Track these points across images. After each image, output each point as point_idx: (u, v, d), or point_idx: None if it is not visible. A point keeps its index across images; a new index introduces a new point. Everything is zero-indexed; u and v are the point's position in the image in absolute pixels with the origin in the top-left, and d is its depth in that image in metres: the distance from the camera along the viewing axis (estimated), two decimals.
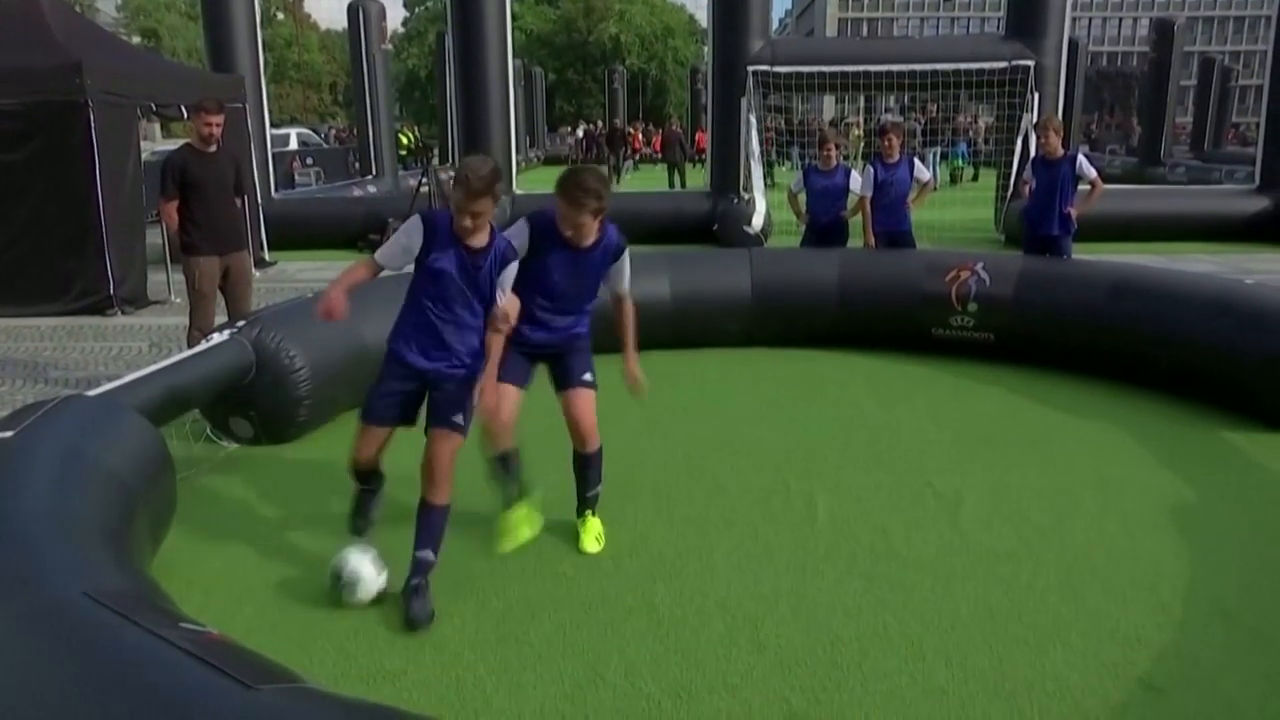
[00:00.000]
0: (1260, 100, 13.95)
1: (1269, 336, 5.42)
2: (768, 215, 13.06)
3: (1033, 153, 12.06)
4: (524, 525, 3.81)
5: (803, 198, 8.11)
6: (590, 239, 3.73)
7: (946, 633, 3.34)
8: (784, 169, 19.81)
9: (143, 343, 8.11)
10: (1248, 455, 5.10)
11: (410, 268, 3.45)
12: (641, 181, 27.31)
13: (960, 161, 24.46)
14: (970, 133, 24.97)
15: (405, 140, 27.00)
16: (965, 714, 2.88)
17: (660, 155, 27.84)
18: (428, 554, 3.49)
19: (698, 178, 21.24)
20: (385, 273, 3.55)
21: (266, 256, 12.16)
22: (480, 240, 3.41)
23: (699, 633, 3.34)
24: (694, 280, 7.35)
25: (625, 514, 4.35)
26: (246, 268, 6.51)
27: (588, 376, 3.99)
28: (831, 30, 75.60)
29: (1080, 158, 7.40)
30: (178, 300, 9.38)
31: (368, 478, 3.72)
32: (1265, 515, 4.34)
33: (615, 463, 5.01)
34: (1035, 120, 12.48)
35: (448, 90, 17.81)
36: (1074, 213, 7.34)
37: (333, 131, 40.43)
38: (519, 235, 3.70)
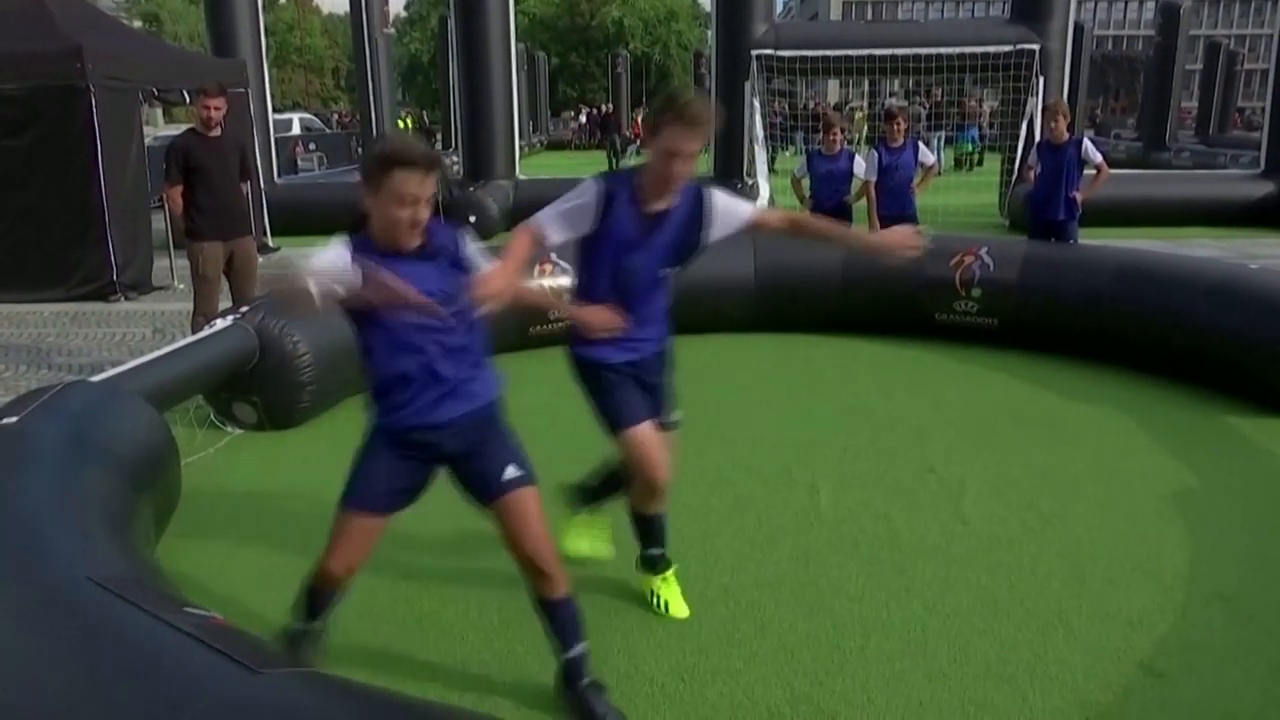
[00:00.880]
0: (1265, 85, 13.87)
1: (1273, 322, 5.40)
2: (771, 200, 13.02)
3: (1038, 137, 11.99)
4: (586, 538, 3.56)
5: (806, 182, 8.08)
6: (676, 194, 2.98)
7: (948, 617, 3.35)
8: (788, 155, 19.71)
9: (146, 329, 8.12)
10: (1251, 441, 5.09)
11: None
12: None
13: (970, 146, 24.36)
14: (977, 117, 24.88)
15: (403, 126, 26.94)
16: (966, 697, 2.89)
17: None
18: (578, 649, 2.77)
19: (702, 163, 21.21)
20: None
21: (270, 242, 12.15)
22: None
23: (702, 618, 3.35)
24: (697, 265, 7.30)
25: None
26: (251, 253, 6.50)
27: (676, 416, 3.37)
28: (836, 14, 75.12)
29: (1086, 142, 7.38)
30: (181, 286, 9.38)
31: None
32: (1268, 501, 4.33)
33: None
34: (1040, 104, 12.44)
35: (450, 75, 17.74)
36: (1079, 197, 7.32)
37: (335, 116, 40.34)
38: (584, 196, 2.94)
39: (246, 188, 6.51)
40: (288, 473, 4.74)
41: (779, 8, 13.64)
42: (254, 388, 5.16)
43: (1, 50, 8.86)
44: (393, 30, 23.85)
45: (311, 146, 23.08)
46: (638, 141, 34.75)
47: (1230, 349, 5.63)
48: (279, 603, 3.48)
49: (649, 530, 3.36)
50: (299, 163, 21.13)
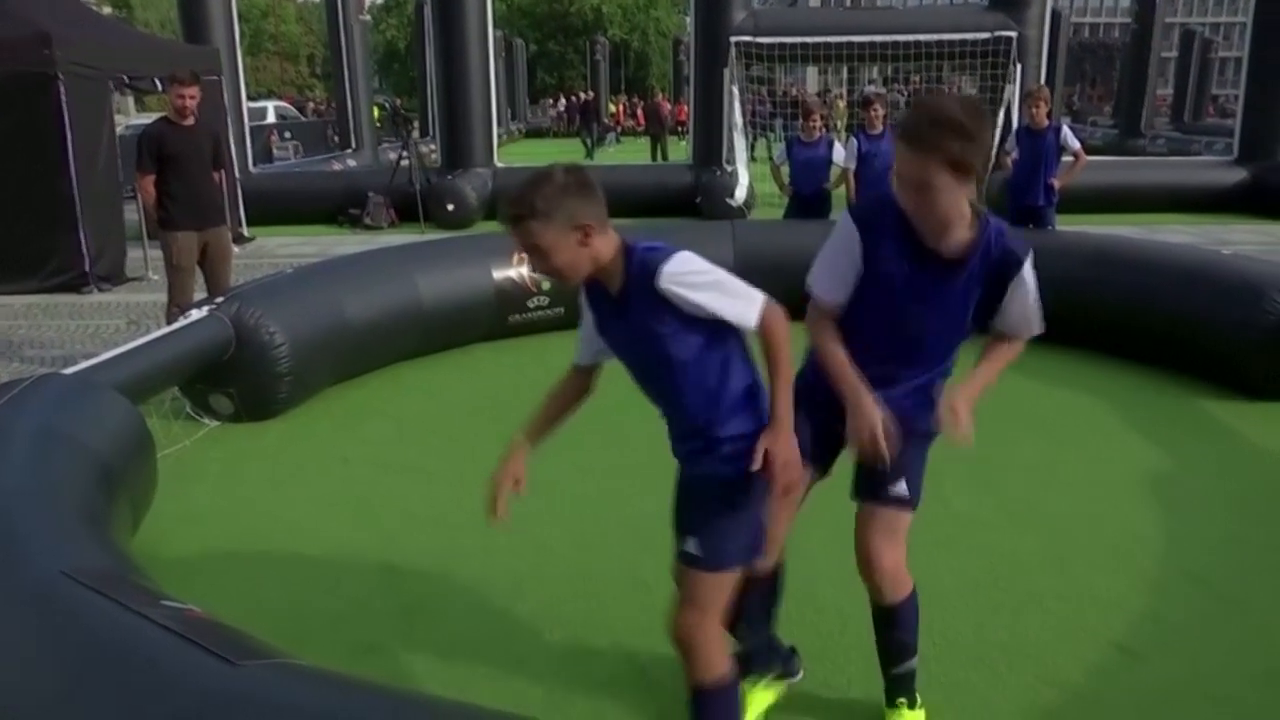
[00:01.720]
0: (1239, 72, 13.99)
1: (1245, 307, 5.46)
2: (751, 188, 13.03)
3: (1015, 124, 12.03)
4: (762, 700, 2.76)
5: (786, 169, 8.08)
6: (955, 231, 2.32)
7: (928, 601, 3.35)
8: (767, 140, 19.70)
9: (120, 320, 8.03)
10: (1225, 424, 5.15)
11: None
12: (624, 155, 27.19)
13: None
14: None
15: (376, 114, 26.78)
16: (946, 679, 2.92)
17: (644, 128, 27.72)
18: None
19: (680, 151, 21.16)
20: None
21: (245, 232, 12.04)
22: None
23: None
24: None
25: (611, 486, 4.35)
26: (225, 243, 6.44)
27: (902, 489, 2.63)
28: (815, 0, 75.19)
29: (1065, 129, 7.42)
30: (155, 277, 9.28)
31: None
32: (1241, 484, 4.39)
33: (600, 438, 5.03)
34: (1017, 92, 12.50)
35: (427, 62, 17.61)
36: (1057, 184, 7.36)
37: (311, 105, 39.95)
38: (843, 237, 2.46)
39: (220, 177, 6.44)
40: (265, 464, 4.71)
41: None
42: (230, 379, 5.12)
43: None
44: (369, 17, 23.61)
45: (287, 135, 22.86)
46: (618, 129, 34.75)
47: (1203, 334, 5.70)
48: (259, 594, 3.47)
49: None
50: (274, 152, 20.93)
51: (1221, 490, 4.32)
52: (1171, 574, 3.55)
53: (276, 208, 13.13)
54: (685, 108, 20.33)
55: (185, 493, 4.33)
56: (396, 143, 17.12)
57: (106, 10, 46.42)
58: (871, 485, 2.62)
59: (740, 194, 12.83)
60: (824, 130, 7.96)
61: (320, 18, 43.18)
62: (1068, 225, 7.81)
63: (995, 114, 13.13)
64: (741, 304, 2.22)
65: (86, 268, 9.12)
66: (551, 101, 44.66)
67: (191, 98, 6.08)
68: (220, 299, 5.32)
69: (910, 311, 2.42)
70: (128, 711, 1.73)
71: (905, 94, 23.85)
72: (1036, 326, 2.59)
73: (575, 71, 51.54)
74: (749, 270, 8.57)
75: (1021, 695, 2.84)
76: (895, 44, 12.94)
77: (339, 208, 13.42)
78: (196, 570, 3.63)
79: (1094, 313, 6.36)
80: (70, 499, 2.86)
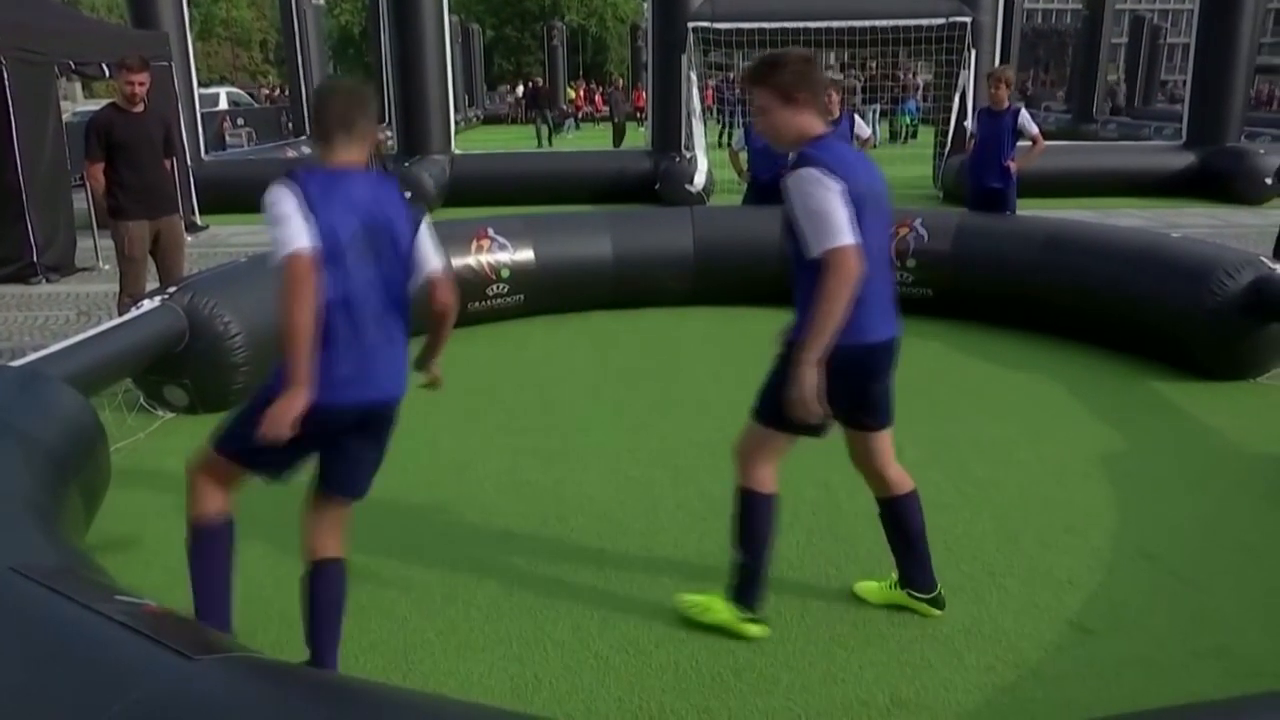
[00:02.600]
0: (1187, 59, 14.24)
1: (1193, 289, 5.58)
2: (709, 173, 13.04)
3: (970, 109, 12.15)
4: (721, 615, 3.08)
5: (744, 155, 8.09)
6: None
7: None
8: (720, 126, 19.72)
9: (70, 311, 7.86)
10: (1174, 404, 5.27)
11: None
12: (583, 140, 27.06)
13: (909, 119, 24.68)
14: (913, 90, 25.22)
15: None
16: (905, 658, 2.96)
17: (606, 114, 27.61)
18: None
19: (637, 136, 21.11)
20: None
21: (198, 220, 11.83)
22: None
23: (646, 589, 3.37)
24: (636, 239, 7.33)
25: (571, 474, 4.35)
26: (178, 232, 6.33)
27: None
28: None
29: (1023, 113, 7.47)
30: (106, 267, 9.10)
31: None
32: (1191, 463, 4.49)
33: (561, 424, 5.02)
34: (972, 77, 12.62)
35: (382, 48, 17.38)
36: (1013, 166, 7.44)
37: (263, 92, 39.24)
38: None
39: (172, 164, 6.31)
40: None
41: None
42: (184, 370, 5.03)
43: None
44: (322, 2, 23.24)
45: (240, 122, 22.46)
46: (578, 114, 34.55)
47: (1154, 316, 5.81)
48: None
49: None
50: (227, 138, 20.57)
51: (1172, 469, 4.42)
52: (1124, 552, 3.63)
53: (230, 195, 12.87)
54: (643, 93, 20.29)
55: (139, 486, 4.26)
56: None
57: None
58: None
59: (699, 180, 12.84)
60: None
61: (272, 2, 42.42)
62: (1024, 210, 7.92)
63: (951, 99, 13.29)
64: None
65: (34, 258, 8.91)
66: (509, 87, 44.31)
67: (141, 84, 5.94)
68: (173, 289, 5.22)
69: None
70: (82, 709, 1.70)
71: (862, 79, 24.03)
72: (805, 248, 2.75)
73: (532, 57, 51.17)
74: (709, 255, 8.62)
75: (981, 674, 2.89)
76: (852, 30, 12.99)
77: None
78: (151, 564, 3.58)
79: (1049, 296, 6.47)
80: (19, 494, 2.79)
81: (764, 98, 2.82)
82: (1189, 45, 14.15)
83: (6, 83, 8.55)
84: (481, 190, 13.01)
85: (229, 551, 2.82)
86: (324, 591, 2.77)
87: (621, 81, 34.29)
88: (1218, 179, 13.31)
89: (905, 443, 4.70)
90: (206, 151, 13.94)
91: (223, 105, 24.45)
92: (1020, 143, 7.55)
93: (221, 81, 41.94)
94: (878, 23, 12.98)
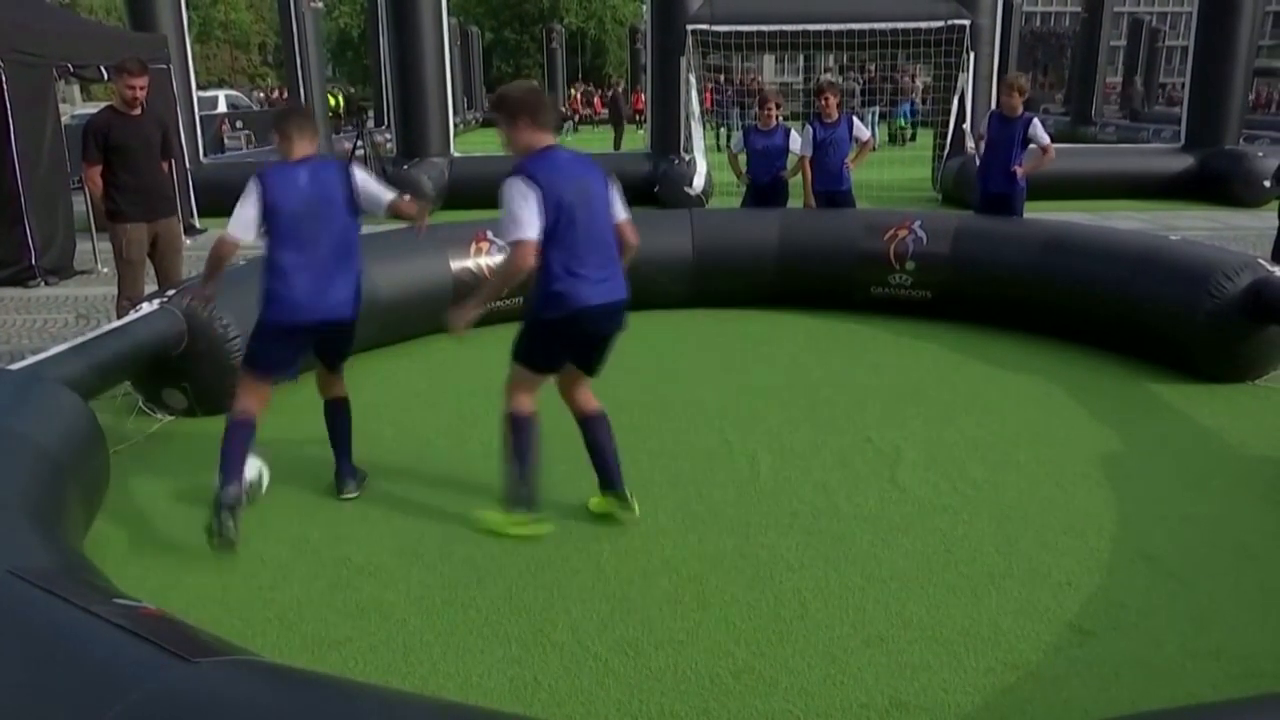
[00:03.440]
0: (1186, 61, 14.25)
1: (1192, 291, 5.58)
2: (708, 176, 13.05)
3: (968, 112, 12.17)
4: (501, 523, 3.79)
5: (743, 158, 8.10)
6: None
7: (885, 583, 3.42)
8: (721, 130, 19.72)
9: (69, 314, 7.86)
10: (1172, 406, 5.27)
11: None
12: (581, 143, 27.08)
13: (904, 121, 24.68)
14: (911, 93, 25.23)
15: (333, 103, 26.40)
16: (904, 661, 2.96)
17: (606, 117, 27.62)
18: None
19: (636, 140, 21.13)
20: None
21: (197, 223, 11.82)
22: None
23: (645, 592, 3.37)
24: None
25: (569, 477, 4.35)
26: (176, 234, 6.33)
27: None
28: None
29: (1035, 121, 7.41)
30: (105, 270, 9.09)
31: None
32: (1190, 464, 4.50)
33: (559, 427, 5.02)
34: (970, 80, 12.63)
35: (381, 50, 17.39)
36: (1020, 172, 7.43)
37: (259, 94, 39.22)
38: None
39: (169, 167, 6.31)
40: None
41: None
42: (183, 373, 5.03)
43: None
44: (321, 4, 23.25)
45: (238, 125, 22.46)
46: (575, 118, 34.58)
47: (1153, 318, 5.81)
48: (215, 590, 3.43)
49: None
50: (225, 141, 20.56)
51: (1171, 471, 4.42)
52: (1123, 553, 3.63)
53: (229, 198, 12.67)
54: (642, 96, 20.27)
55: (138, 489, 4.25)
56: (351, 132, 16.90)
57: None
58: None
59: (698, 182, 12.85)
60: (780, 119, 7.98)
61: (271, 5, 42.37)
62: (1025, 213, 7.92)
63: (950, 102, 13.29)
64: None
65: (32, 261, 8.90)
66: None
67: (141, 88, 5.95)
68: (172, 291, 5.22)
69: None
70: (81, 712, 1.70)
71: (861, 82, 24.05)
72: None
73: (531, 60, 51.19)
74: (707, 258, 8.64)
75: (980, 676, 2.89)
76: (850, 32, 13.00)
77: None
78: (150, 567, 3.58)
79: (1047, 298, 6.48)
80: (19, 497, 2.79)
81: (497, 119, 3.57)
82: (1187, 48, 14.16)
83: (4, 85, 8.54)
84: (480, 193, 12.90)
85: (251, 438, 3.82)
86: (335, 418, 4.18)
87: (621, 84, 34.30)
88: (1216, 181, 13.31)
89: (905, 445, 4.73)
90: (205, 154, 13.93)
91: (221, 108, 24.45)
92: (1030, 147, 7.52)
93: (220, 84, 41.94)
94: (876, 25, 12.99)
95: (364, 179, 3.93)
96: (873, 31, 13.01)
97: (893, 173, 14.20)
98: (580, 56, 51.61)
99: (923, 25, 12.88)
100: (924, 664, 2.95)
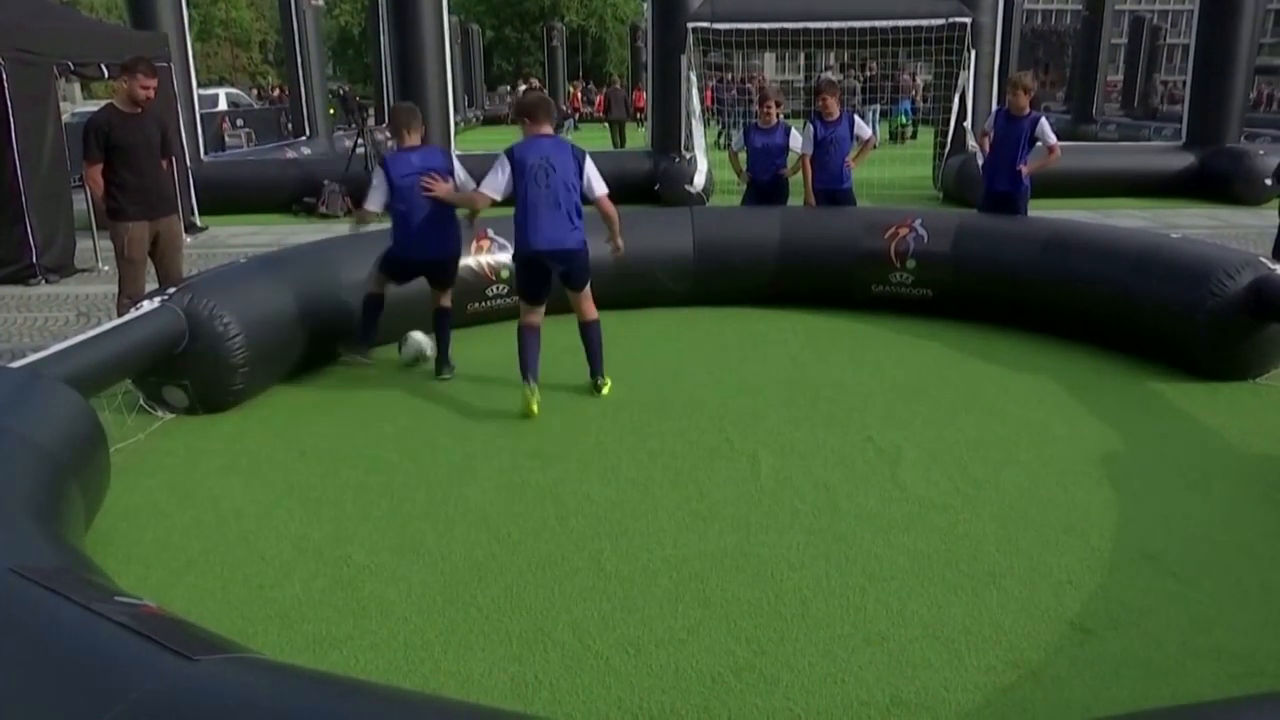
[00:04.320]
0: (1187, 59, 14.24)
1: (1193, 289, 5.58)
2: (709, 174, 13.04)
3: (969, 110, 12.15)
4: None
5: (743, 156, 8.09)
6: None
7: (886, 582, 3.42)
8: (720, 129, 19.70)
9: (69, 312, 7.86)
10: (1173, 404, 5.27)
11: None
12: (583, 141, 27.04)
13: (904, 119, 24.66)
14: (911, 91, 25.21)
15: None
16: (905, 659, 2.96)
17: (604, 115, 27.58)
18: None
19: (638, 138, 21.11)
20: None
21: (197, 221, 11.82)
22: None
23: (646, 590, 3.37)
24: (635, 240, 7.30)
25: (570, 474, 4.35)
26: (177, 233, 6.33)
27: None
28: None
29: (1042, 121, 7.38)
30: (106, 268, 9.09)
31: None
32: (1189, 462, 4.49)
33: (560, 424, 5.02)
34: (971, 78, 12.62)
35: (382, 48, 17.38)
36: (1025, 170, 7.42)
37: (254, 92, 39.19)
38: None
39: (170, 165, 6.31)
40: (221, 457, 4.64)
41: None
42: (184, 371, 5.03)
43: None
44: (322, 2, 23.23)
45: (239, 123, 22.45)
46: (576, 116, 34.57)
47: (1154, 316, 5.81)
48: (216, 588, 3.43)
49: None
50: (226, 139, 20.55)
51: (1172, 469, 4.42)
52: (1124, 552, 3.63)
53: (229, 196, 12.90)
54: (643, 94, 20.24)
55: (139, 487, 4.26)
56: (352, 130, 16.89)
57: None
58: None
59: (699, 180, 12.84)
60: (780, 117, 7.98)
61: (272, 3, 42.33)
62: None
63: (950, 100, 13.28)
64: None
65: (33, 259, 8.90)
66: (509, 88, 44.29)
67: (154, 89, 5.98)
68: (172, 290, 5.22)
69: None
70: (82, 710, 1.70)
71: (861, 80, 24.01)
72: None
73: (532, 58, 51.16)
74: (708, 256, 8.64)
75: (981, 674, 2.89)
76: (851, 30, 12.99)
77: (294, 196, 13.21)
78: (151, 565, 3.58)
79: (1049, 297, 6.47)
80: (19, 495, 2.80)
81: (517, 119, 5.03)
82: (1189, 46, 14.14)
83: (5, 83, 8.54)
84: None
85: (380, 310, 5.58)
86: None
87: (618, 82, 34.28)
88: (1217, 180, 13.30)
89: (905, 443, 4.73)
90: (206, 152, 13.94)
91: (222, 106, 24.45)
92: (1037, 145, 7.50)
93: (221, 83, 41.92)
94: (877, 23, 12.97)
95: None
96: (874, 29, 12.99)
97: (893, 171, 14.19)
98: (581, 54, 51.59)
99: (924, 23, 12.87)
100: (925, 662, 2.95)
